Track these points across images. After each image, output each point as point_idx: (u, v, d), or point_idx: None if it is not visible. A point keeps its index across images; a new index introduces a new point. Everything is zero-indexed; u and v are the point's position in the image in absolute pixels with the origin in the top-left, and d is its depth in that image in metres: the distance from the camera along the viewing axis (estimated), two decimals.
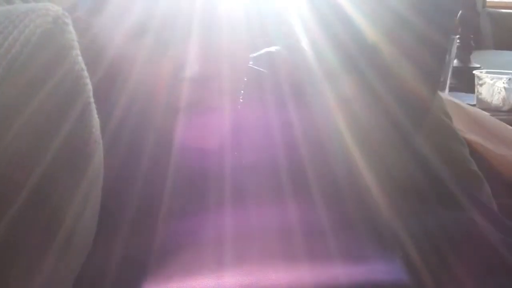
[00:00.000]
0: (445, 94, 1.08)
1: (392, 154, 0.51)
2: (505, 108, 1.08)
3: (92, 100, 0.33)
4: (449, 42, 1.13)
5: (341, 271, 0.39)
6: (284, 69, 0.52)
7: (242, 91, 0.49)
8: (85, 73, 0.33)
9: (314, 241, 0.41)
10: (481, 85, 1.12)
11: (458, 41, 1.26)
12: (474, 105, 1.09)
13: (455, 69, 1.24)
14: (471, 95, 1.17)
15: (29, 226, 0.30)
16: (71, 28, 0.32)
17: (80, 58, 0.32)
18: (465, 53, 1.37)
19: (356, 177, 0.46)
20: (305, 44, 0.52)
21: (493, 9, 2.35)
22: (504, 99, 1.08)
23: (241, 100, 0.49)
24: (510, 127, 0.87)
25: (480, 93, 1.12)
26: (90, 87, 0.33)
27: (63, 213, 0.32)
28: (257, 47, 0.53)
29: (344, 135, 0.47)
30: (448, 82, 1.15)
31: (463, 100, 0.98)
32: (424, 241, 0.43)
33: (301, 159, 0.46)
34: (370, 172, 0.46)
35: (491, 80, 1.10)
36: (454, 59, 1.23)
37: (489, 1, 2.38)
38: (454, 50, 1.16)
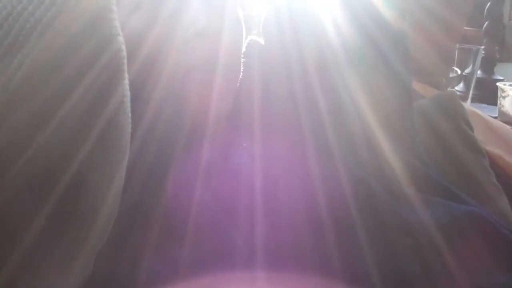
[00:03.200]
0: (467, 105, 1.07)
1: (417, 142, 0.51)
2: None
3: (128, 93, 0.33)
4: (474, 53, 1.12)
5: None
6: (309, 56, 0.52)
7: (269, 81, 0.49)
8: (125, 67, 0.32)
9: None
10: (504, 97, 1.11)
11: (483, 52, 1.25)
12: (496, 117, 1.08)
13: (479, 80, 1.23)
14: (493, 107, 1.16)
15: (67, 219, 0.30)
16: (116, 15, 0.31)
17: (123, 47, 0.31)
18: (489, 65, 1.36)
19: (383, 167, 0.46)
20: (331, 32, 0.52)
21: None
22: None
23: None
24: None
25: (503, 106, 1.11)
26: (127, 81, 0.32)
27: (98, 208, 0.32)
28: (285, 34, 0.54)
29: (370, 122, 0.47)
30: (471, 93, 1.14)
31: (485, 112, 0.97)
32: (435, 231, 0.43)
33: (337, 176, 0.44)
34: (397, 161, 0.46)
35: None
36: (478, 70, 1.21)
37: None
38: (478, 61, 1.15)
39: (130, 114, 0.33)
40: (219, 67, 0.44)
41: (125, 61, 0.31)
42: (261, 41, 0.50)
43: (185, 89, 0.43)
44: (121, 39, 0.31)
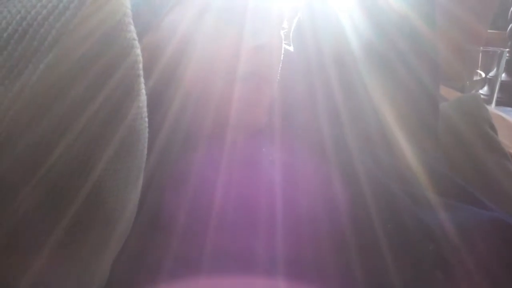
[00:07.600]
0: (492, 108, 1.06)
1: (439, 145, 0.50)
2: None
3: (145, 97, 0.33)
4: (498, 56, 1.11)
5: None
6: (330, 61, 0.53)
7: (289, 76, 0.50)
8: (141, 78, 0.32)
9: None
10: None
11: (507, 55, 1.23)
12: None
13: (503, 83, 1.22)
14: None
15: (87, 225, 0.30)
16: (132, 27, 0.31)
17: (140, 58, 0.31)
18: None
19: (403, 171, 0.46)
20: (352, 39, 0.53)
21: None
22: None
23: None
24: None
25: None
26: (144, 90, 0.32)
27: (117, 213, 0.32)
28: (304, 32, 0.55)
29: (390, 126, 0.48)
30: (495, 96, 1.13)
31: (509, 115, 0.96)
32: (457, 236, 0.43)
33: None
34: (418, 164, 0.46)
35: None
36: (503, 73, 1.20)
37: None
38: (503, 64, 1.14)
39: (146, 119, 0.33)
40: (270, 76, 0.47)
41: (141, 65, 0.31)
42: (291, 48, 0.51)
43: (230, 96, 0.45)
44: (137, 44, 0.31)
